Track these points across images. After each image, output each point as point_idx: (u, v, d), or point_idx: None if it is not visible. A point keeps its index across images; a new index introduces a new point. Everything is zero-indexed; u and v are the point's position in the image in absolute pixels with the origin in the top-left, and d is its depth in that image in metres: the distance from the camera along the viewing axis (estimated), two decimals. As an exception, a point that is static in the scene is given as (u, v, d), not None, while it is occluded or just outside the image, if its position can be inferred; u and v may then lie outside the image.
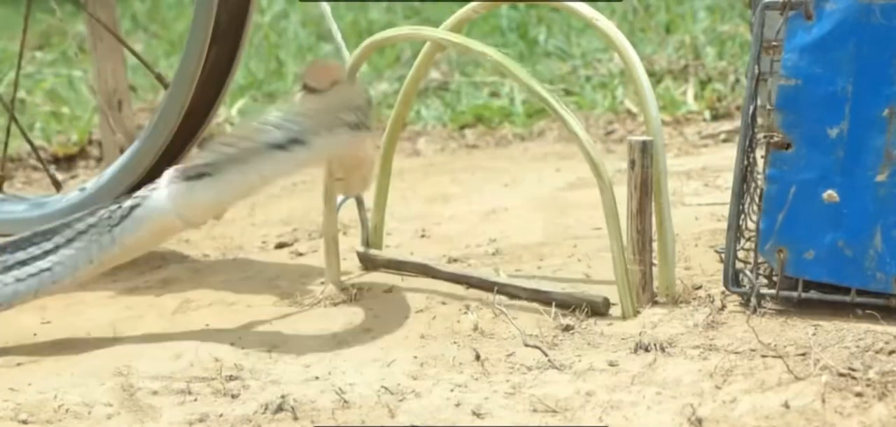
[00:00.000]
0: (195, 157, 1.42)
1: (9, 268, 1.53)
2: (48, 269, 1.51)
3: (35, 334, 1.59)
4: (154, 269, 1.86)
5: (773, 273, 1.44)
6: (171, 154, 1.95)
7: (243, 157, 1.43)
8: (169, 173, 1.48)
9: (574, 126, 1.48)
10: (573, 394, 1.25)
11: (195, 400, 1.31)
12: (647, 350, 1.35)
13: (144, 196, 1.49)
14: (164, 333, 1.56)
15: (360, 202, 1.77)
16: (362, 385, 1.32)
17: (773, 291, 1.44)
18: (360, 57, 1.64)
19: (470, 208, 2.18)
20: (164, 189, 1.47)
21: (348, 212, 2.02)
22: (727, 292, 1.48)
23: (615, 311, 1.49)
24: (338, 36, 1.73)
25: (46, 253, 1.51)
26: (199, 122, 1.94)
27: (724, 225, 1.48)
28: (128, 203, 1.49)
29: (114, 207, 1.50)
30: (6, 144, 2.08)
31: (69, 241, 1.50)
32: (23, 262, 1.52)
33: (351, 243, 1.89)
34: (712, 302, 1.48)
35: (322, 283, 1.72)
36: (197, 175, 1.45)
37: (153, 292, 1.71)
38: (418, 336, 1.47)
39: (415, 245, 1.93)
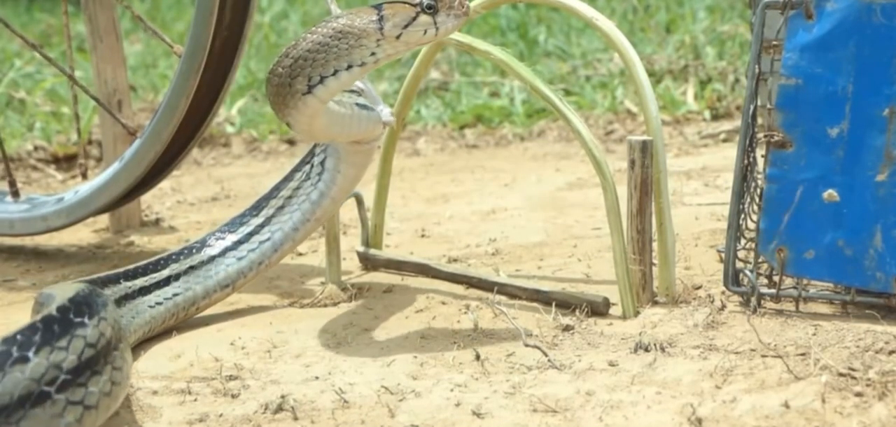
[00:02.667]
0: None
1: (225, 251, 1.59)
2: (268, 239, 1.59)
3: (35, 334, 1.59)
4: (154, 268, 1.86)
5: (774, 273, 1.44)
6: (172, 153, 1.95)
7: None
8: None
9: (578, 125, 1.48)
10: (573, 394, 1.25)
11: (195, 400, 1.31)
12: (647, 350, 1.35)
13: (325, 144, 1.56)
14: (163, 333, 1.55)
15: (360, 202, 1.77)
16: (362, 385, 1.31)
17: (773, 291, 1.44)
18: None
19: (470, 208, 2.18)
20: None
21: (348, 212, 2.02)
22: (727, 292, 1.48)
23: (615, 310, 1.49)
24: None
25: (260, 226, 1.60)
26: (199, 121, 1.94)
27: (724, 225, 1.49)
28: (317, 159, 1.57)
29: (307, 168, 1.59)
30: (79, 129, 2.09)
31: (280, 208, 1.59)
32: (239, 242, 1.60)
33: (351, 243, 1.89)
34: (712, 302, 1.48)
35: (322, 283, 1.72)
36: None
37: (153, 292, 1.71)
38: (418, 336, 1.47)
39: (415, 245, 1.93)
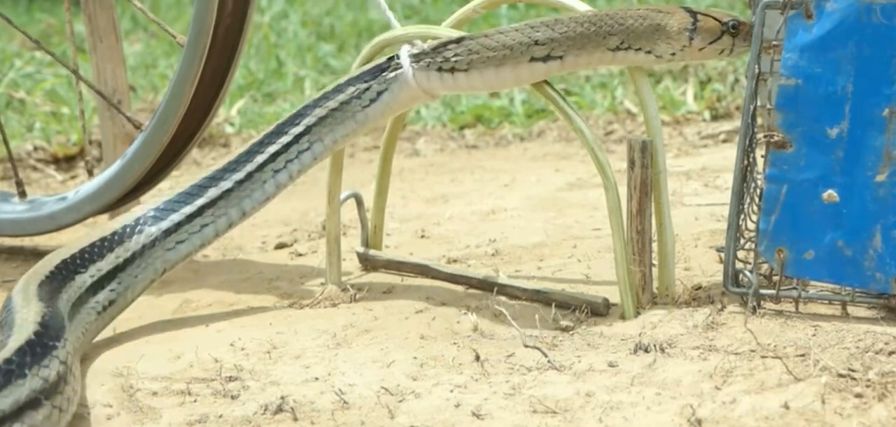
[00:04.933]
0: (449, 45, 1.51)
1: (263, 165, 1.60)
2: (307, 149, 1.60)
3: (34, 335, 1.59)
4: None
5: (773, 273, 1.44)
6: (175, 150, 1.95)
7: (500, 60, 1.49)
8: (410, 52, 1.54)
9: (580, 125, 1.48)
10: (573, 394, 1.25)
11: (195, 401, 1.31)
12: (646, 351, 1.35)
13: (391, 79, 1.56)
14: (163, 334, 1.56)
15: (359, 202, 1.77)
16: (362, 385, 1.31)
17: (772, 292, 1.44)
18: (368, 56, 1.64)
19: (469, 208, 2.18)
20: (410, 72, 1.54)
21: (348, 212, 2.02)
22: (727, 293, 1.48)
23: (615, 311, 1.49)
24: (386, 9, 1.77)
25: (298, 136, 1.59)
26: (199, 122, 1.94)
27: (724, 225, 1.48)
28: (375, 88, 1.57)
29: (362, 87, 1.58)
30: (83, 126, 2.10)
31: (321, 119, 1.59)
32: (276, 154, 1.60)
33: (351, 244, 1.89)
34: (712, 302, 1.48)
35: (322, 283, 1.72)
36: (450, 69, 1.51)
37: (153, 293, 1.71)
38: (418, 336, 1.47)
39: (414, 245, 1.93)
